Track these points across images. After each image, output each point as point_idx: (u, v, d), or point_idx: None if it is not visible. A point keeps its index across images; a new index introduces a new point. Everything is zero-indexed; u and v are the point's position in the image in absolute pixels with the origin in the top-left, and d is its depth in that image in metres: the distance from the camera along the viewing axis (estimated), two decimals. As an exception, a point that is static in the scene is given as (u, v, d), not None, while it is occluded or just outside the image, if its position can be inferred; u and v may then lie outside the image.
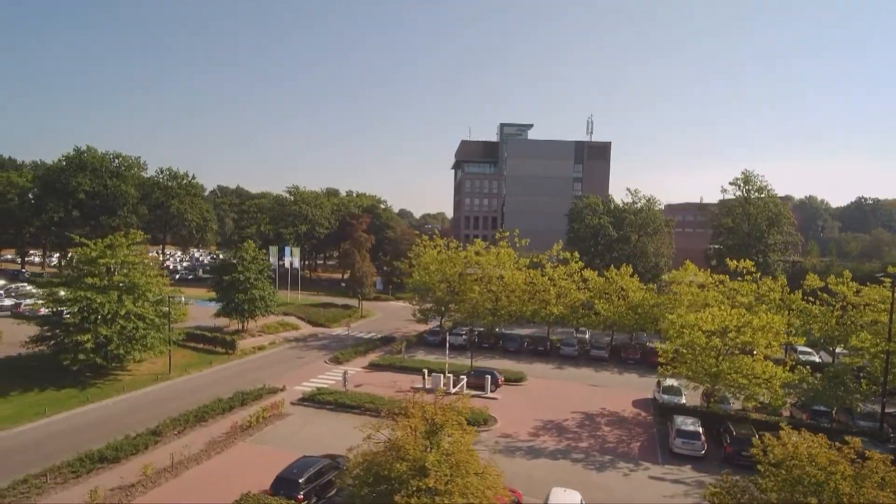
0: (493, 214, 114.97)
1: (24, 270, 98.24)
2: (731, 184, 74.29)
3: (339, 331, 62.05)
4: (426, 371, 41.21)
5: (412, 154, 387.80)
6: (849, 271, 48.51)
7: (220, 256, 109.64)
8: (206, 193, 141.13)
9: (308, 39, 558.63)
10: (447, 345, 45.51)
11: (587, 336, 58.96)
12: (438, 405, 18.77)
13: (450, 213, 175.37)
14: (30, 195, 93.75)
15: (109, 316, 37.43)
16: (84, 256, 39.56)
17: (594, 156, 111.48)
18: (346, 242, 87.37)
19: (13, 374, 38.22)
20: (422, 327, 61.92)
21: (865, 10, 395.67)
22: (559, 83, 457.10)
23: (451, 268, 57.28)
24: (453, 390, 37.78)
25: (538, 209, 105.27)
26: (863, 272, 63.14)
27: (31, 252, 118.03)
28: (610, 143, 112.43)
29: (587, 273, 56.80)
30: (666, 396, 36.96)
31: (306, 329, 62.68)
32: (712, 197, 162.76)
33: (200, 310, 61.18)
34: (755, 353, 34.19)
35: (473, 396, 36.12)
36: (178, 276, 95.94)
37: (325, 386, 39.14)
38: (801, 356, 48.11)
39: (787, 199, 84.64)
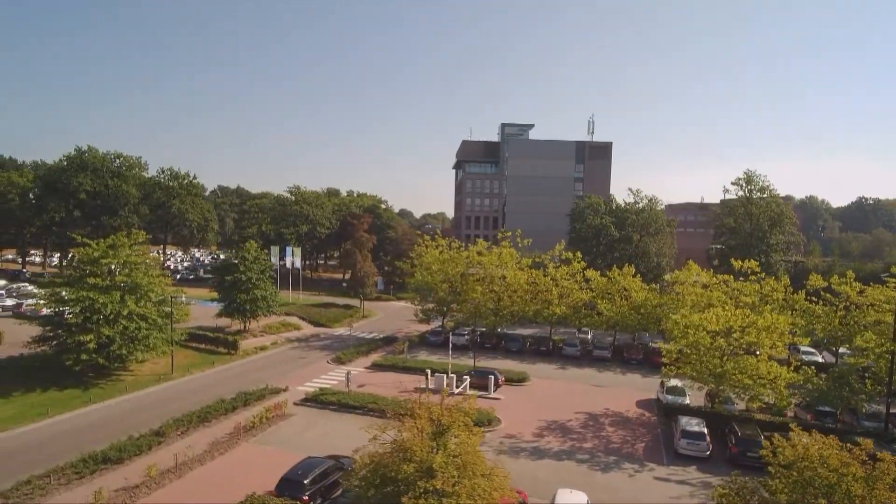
0: (494, 214, 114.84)
1: (25, 270, 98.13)
2: (733, 184, 74.28)
3: (340, 331, 61.94)
4: (429, 371, 41.12)
5: (412, 154, 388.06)
6: (851, 271, 48.34)
7: (221, 256, 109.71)
8: (207, 193, 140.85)
9: (308, 39, 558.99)
10: (450, 345, 45.40)
11: (589, 336, 58.87)
12: (445, 406, 18.68)
13: (450, 213, 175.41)
14: (31, 195, 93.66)
15: (112, 316, 37.34)
16: (86, 256, 39.48)
17: (595, 156, 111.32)
18: (348, 242, 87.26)
19: (15, 375, 38.14)
20: (423, 327, 61.82)
21: (865, 10, 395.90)
22: (559, 83, 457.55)
23: (453, 268, 57.14)
24: (456, 391, 37.69)
25: (539, 209, 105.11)
26: (865, 272, 63.09)
27: (32, 252, 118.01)
28: (611, 142, 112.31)
29: (589, 273, 56.70)
30: (670, 397, 36.86)
31: (308, 329, 62.59)
32: (713, 197, 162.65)
33: (202, 310, 61.15)
34: (758, 353, 34.14)
35: (477, 397, 35.99)
36: (178, 277, 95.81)
37: (327, 386, 39.04)
38: (803, 356, 48.00)
39: (788, 199, 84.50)
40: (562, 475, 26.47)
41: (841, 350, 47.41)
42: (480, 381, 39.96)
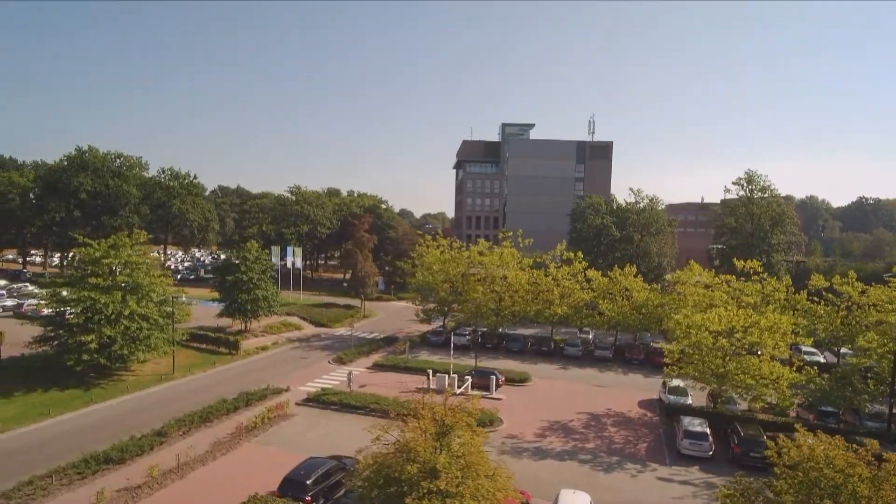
0: (494, 214, 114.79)
1: (25, 271, 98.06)
2: (734, 183, 74.16)
3: (341, 331, 61.88)
4: (430, 371, 41.07)
5: (412, 154, 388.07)
6: (853, 271, 48.30)
7: (222, 256, 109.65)
8: (207, 193, 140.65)
9: (308, 39, 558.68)
10: (452, 345, 45.35)
11: (591, 336, 58.80)
12: (448, 406, 18.62)
13: (450, 213, 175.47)
14: (31, 195, 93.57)
15: (113, 316, 37.28)
16: (88, 256, 39.41)
17: (596, 155, 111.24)
18: (349, 242, 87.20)
19: (16, 375, 38.05)
20: (424, 327, 61.76)
21: (865, 10, 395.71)
22: (560, 83, 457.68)
23: (454, 268, 57.07)
24: (458, 391, 37.64)
25: (540, 209, 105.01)
26: (866, 272, 63.00)
27: (33, 252, 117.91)
28: (611, 142, 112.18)
29: (591, 273, 56.63)
30: (672, 397, 36.81)
31: (309, 329, 62.54)
32: (713, 197, 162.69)
33: (203, 310, 61.09)
34: (760, 353, 34.09)
35: (475, 397, 35.93)
36: (179, 276, 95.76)
37: (329, 386, 38.97)
38: (804, 356, 47.96)
39: (789, 199, 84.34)
40: (564, 475, 26.43)
41: (842, 350, 47.40)
42: (482, 381, 39.90)
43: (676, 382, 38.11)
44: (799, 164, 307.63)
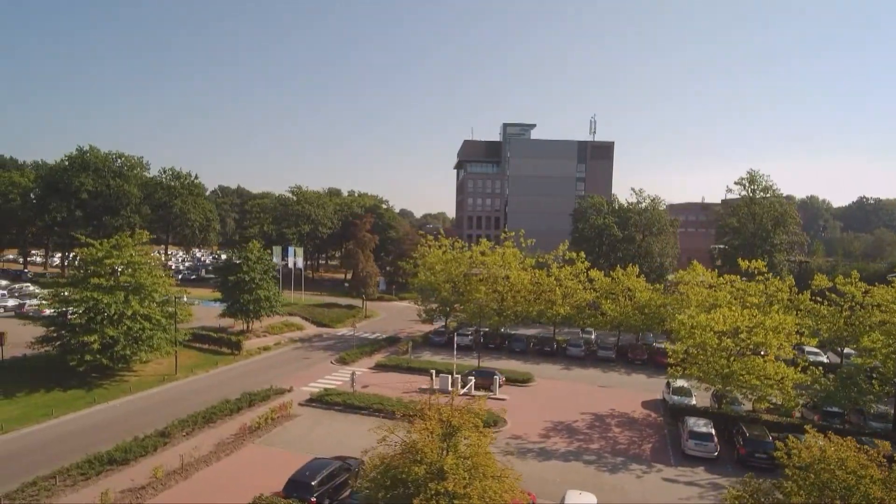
0: (495, 214, 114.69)
1: (26, 271, 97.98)
2: (736, 183, 74.11)
3: (343, 331, 61.81)
4: (433, 372, 40.99)
5: (413, 154, 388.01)
6: (856, 271, 48.20)
7: (223, 256, 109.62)
8: (208, 193, 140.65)
9: (308, 39, 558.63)
10: (454, 345, 45.23)
11: (593, 336, 58.67)
12: (454, 407, 18.52)
13: (450, 213, 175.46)
14: (32, 195, 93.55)
15: (116, 316, 37.21)
16: (90, 256, 39.32)
17: (597, 155, 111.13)
18: (350, 242, 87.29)
19: (19, 376, 37.97)
20: (426, 328, 61.68)
21: (865, 10, 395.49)
22: (561, 83, 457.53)
23: (456, 268, 56.98)
24: (462, 391, 37.55)
25: (541, 209, 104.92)
26: (868, 272, 62.95)
27: (34, 252, 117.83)
28: (613, 142, 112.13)
29: (593, 273, 56.54)
30: (676, 397, 36.74)
31: (311, 329, 62.46)
32: (714, 197, 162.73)
33: (205, 310, 60.99)
34: (764, 353, 33.96)
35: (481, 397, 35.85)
36: (180, 277, 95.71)
37: (332, 387, 38.88)
38: (808, 357, 47.84)
39: (790, 199, 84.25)
40: (570, 476, 26.34)
41: (846, 350, 47.28)
42: (484, 381, 39.82)
43: (680, 383, 38.00)
44: (799, 164, 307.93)
